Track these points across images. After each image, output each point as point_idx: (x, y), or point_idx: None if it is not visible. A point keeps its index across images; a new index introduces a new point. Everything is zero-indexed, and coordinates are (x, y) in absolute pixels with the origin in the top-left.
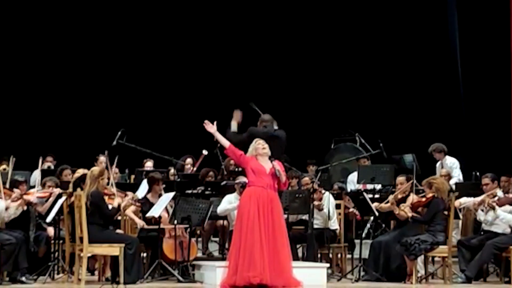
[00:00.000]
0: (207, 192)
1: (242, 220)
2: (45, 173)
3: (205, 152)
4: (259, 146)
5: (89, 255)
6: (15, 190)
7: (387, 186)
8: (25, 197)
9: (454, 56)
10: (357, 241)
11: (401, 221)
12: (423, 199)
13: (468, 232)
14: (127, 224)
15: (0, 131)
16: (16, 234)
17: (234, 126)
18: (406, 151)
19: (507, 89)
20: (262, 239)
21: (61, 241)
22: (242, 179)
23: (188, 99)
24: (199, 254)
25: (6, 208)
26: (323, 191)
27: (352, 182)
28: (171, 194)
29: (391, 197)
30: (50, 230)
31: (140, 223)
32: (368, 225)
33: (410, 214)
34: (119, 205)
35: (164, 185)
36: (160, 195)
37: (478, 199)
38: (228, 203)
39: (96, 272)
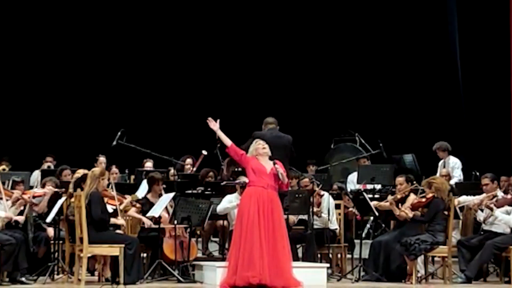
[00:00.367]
0: (207, 192)
1: (242, 220)
2: (45, 173)
3: (204, 152)
4: (259, 146)
5: (89, 255)
6: (15, 190)
7: (387, 186)
8: (23, 196)
9: (454, 56)
10: (357, 241)
11: (401, 221)
12: (423, 199)
13: (468, 232)
14: (127, 224)
15: (0, 132)
16: (16, 235)
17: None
18: (406, 151)
19: (507, 89)
20: (261, 239)
21: (61, 242)
22: (242, 179)
23: (188, 99)
24: (199, 254)
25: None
26: (322, 193)
27: (352, 182)
28: (171, 194)
29: (390, 198)
30: (50, 231)
31: (147, 222)
32: (368, 225)
33: (410, 215)
34: (115, 211)
35: (164, 185)
36: (160, 195)
37: (478, 199)
38: (228, 202)
39: (96, 273)
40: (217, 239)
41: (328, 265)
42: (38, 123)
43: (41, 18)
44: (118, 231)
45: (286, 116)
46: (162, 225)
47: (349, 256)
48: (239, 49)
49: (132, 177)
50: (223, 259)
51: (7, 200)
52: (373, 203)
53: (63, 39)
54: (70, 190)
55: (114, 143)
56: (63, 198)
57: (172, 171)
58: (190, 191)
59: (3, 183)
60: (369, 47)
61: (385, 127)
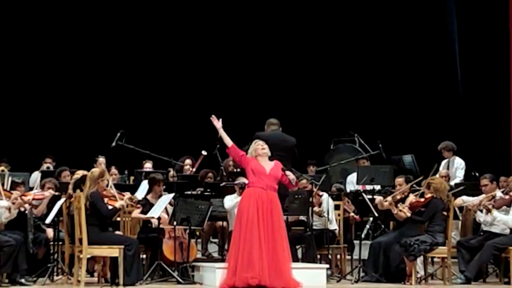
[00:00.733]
0: (206, 193)
1: (242, 221)
2: (44, 174)
3: (204, 153)
4: (259, 147)
5: (89, 256)
6: (14, 191)
7: (386, 187)
8: (23, 198)
9: (453, 56)
10: (356, 242)
11: (400, 221)
12: (422, 200)
13: (468, 233)
14: (127, 225)
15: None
16: (15, 236)
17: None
18: (405, 152)
19: (506, 90)
20: (261, 240)
21: (60, 243)
22: (242, 179)
23: (187, 100)
24: (199, 255)
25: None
26: (321, 193)
27: (352, 183)
28: (171, 195)
29: (389, 198)
30: (50, 232)
31: (155, 222)
32: (368, 226)
33: (409, 214)
34: (120, 207)
35: (163, 186)
36: (160, 196)
37: (477, 200)
38: (230, 201)
39: (96, 274)
40: (216, 240)
41: (327, 266)
42: (38, 124)
43: (41, 20)
44: (117, 232)
45: (286, 117)
46: (161, 226)
47: (348, 257)
48: (239, 50)
49: (132, 178)
50: (222, 260)
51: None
52: (376, 198)
53: (63, 40)
54: (70, 191)
55: (114, 144)
56: (62, 199)
57: (171, 172)
58: (189, 192)
59: (2, 184)
60: (368, 47)
61: (385, 128)
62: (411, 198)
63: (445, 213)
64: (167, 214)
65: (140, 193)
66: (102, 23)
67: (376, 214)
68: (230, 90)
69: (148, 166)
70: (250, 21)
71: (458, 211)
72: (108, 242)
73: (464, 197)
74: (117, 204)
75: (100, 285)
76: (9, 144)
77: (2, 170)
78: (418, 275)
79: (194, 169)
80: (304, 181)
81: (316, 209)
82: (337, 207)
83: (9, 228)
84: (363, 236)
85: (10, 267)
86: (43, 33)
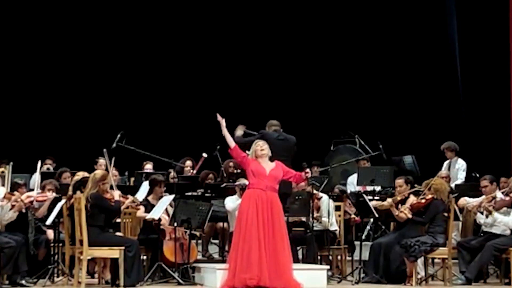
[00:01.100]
0: (207, 195)
1: (241, 222)
2: (44, 176)
3: (204, 154)
4: (258, 148)
5: (89, 257)
6: (15, 193)
7: (386, 188)
8: (25, 200)
9: (454, 57)
10: (357, 243)
11: (401, 222)
12: (423, 201)
13: (468, 234)
14: (127, 226)
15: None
16: (16, 237)
17: (239, 133)
18: (405, 153)
19: (507, 91)
20: (260, 241)
21: (60, 244)
22: (242, 181)
23: (188, 102)
24: (199, 257)
25: (10, 208)
26: (319, 196)
27: (352, 184)
28: (171, 196)
29: (390, 200)
30: (50, 233)
31: (164, 221)
32: (368, 227)
33: (410, 216)
34: (120, 197)
35: (164, 187)
36: (161, 197)
37: (477, 201)
38: (232, 202)
39: (96, 275)
40: (217, 241)
41: (328, 267)
42: (38, 125)
43: (41, 21)
44: (118, 233)
45: (287, 118)
46: (162, 227)
47: (349, 258)
48: (240, 51)
49: (132, 179)
50: (223, 261)
51: (6, 202)
52: (373, 203)
53: (63, 41)
54: (70, 192)
55: (114, 145)
56: (63, 201)
57: (172, 173)
58: (190, 193)
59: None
60: (368, 48)
61: (385, 129)
62: (412, 199)
63: (445, 214)
64: (168, 215)
65: (141, 195)
66: (103, 24)
67: (377, 215)
68: (231, 91)
69: (148, 167)
70: (250, 23)
71: (458, 212)
72: (108, 243)
73: (466, 198)
74: (116, 196)
75: (101, 286)
76: (10, 145)
77: (2, 172)
78: (419, 276)
79: (194, 171)
80: (303, 183)
81: (314, 214)
82: (337, 208)
83: (9, 230)
84: (363, 237)
85: (11, 268)
86: (44, 34)
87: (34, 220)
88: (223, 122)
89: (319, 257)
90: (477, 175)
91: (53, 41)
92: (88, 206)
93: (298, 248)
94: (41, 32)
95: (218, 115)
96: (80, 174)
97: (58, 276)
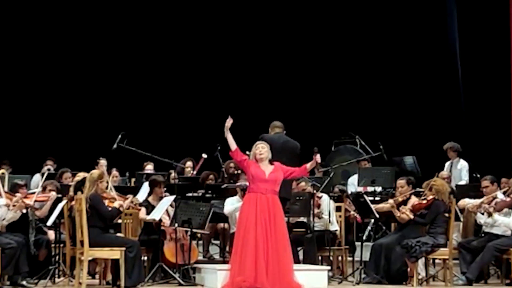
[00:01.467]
0: (207, 195)
1: (241, 226)
2: (46, 177)
3: (204, 155)
4: (257, 151)
5: (90, 258)
6: (16, 194)
7: (387, 189)
8: (25, 200)
9: (454, 58)
10: (358, 244)
11: (401, 223)
12: (424, 202)
13: (469, 234)
14: (128, 227)
15: (0, 135)
16: (16, 238)
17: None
18: (406, 153)
19: (507, 91)
20: (258, 244)
21: (61, 245)
22: (243, 181)
23: (188, 102)
24: (200, 257)
25: (8, 207)
26: (320, 195)
27: (353, 185)
28: (172, 197)
29: (391, 201)
30: (51, 234)
31: (167, 223)
32: (369, 228)
33: (411, 216)
34: (119, 207)
35: (164, 188)
36: (161, 198)
37: (477, 202)
38: (231, 205)
39: (97, 276)
40: (217, 242)
41: (329, 267)
42: (39, 126)
43: (41, 21)
44: (119, 234)
45: (287, 118)
46: (162, 228)
47: (350, 258)
48: (241, 53)
49: (133, 180)
50: (224, 262)
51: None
52: (373, 206)
53: (64, 42)
54: (71, 193)
55: (115, 146)
56: (64, 201)
57: (172, 174)
58: (190, 194)
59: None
60: (369, 48)
61: (386, 129)
62: (413, 200)
63: (446, 214)
64: (168, 216)
65: (141, 195)
66: (103, 25)
67: (377, 216)
68: (232, 93)
69: (149, 168)
70: (251, 24)
71: (459, 213)
72: (109, 244)
73: (467, 199)
74: (116, 204)
75: (102, 287)
76: (10, 146)
77: (3, 173)
78: (420, 277)
79: (195, 172)
80: (303, 183)
81: (315, 210)
82: (338, 209)
83: (10, 230)
84: (364, 237)
85: (12, 269)
86: (45, 35)
87: (35, 221)
88: (228, 123)
89: (319, 258)
90: (478, 175)
91: (54, 43)
92: (87, 207)
93: (298, 248)
94: (43, 34)
95: (230, 117)
96: (81, 175)
97: (59, 277)
